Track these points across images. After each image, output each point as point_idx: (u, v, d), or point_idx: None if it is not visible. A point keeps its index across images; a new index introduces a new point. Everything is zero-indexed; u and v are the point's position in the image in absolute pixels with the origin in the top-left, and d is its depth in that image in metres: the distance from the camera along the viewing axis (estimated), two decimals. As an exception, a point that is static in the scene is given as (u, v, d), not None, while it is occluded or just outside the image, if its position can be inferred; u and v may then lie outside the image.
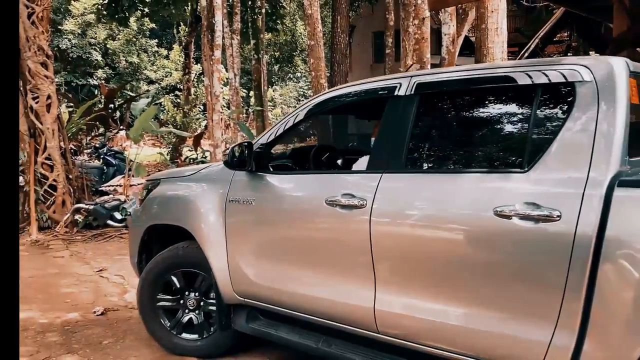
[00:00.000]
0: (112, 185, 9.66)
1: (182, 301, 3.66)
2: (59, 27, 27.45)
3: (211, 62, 9.03)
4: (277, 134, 3.38)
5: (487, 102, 2.75)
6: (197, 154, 13.03)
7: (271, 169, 3.45)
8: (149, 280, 3.70)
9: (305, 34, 28.70)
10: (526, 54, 13.59)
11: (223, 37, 9.97)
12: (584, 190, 2.10)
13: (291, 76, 33.38)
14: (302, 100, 33.62)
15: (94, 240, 7.41)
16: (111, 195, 8.59)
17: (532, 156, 2.31)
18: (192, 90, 21.78)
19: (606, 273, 2.01)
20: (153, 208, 3.93)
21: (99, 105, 15.37)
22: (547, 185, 2.23)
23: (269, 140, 3.38)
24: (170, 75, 30.55)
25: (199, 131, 17.74)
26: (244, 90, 25.32)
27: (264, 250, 3.27)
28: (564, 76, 2.32)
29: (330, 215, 2.88)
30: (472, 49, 14.47)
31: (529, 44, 13.77)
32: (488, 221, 2.30)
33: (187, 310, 3.65)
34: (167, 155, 17.30)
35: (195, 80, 23.18)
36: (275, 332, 3.22)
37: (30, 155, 7.53)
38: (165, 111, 19.41)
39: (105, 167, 11.08)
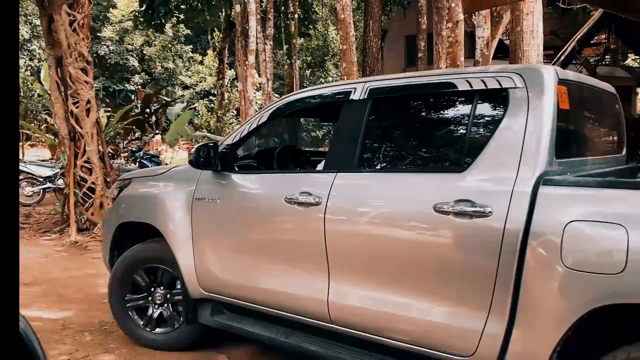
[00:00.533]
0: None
1: (150, 297, 3.78)
2: (98, 34, 28.19)
3: (245, 67, 9.11)
4: (242, 135, 3.51)
5: (431, 107, 2.96)
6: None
7: (236, 169, 3.57)
8: (118, 275, 3.82)
9: (337, 39, 28.69)
10: (562, 57, 13.29)
11: (256, 43, 10.05)
12: (513, 188, 2.27)
13: (322, 80, 33.46)
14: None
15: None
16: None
17: (469, 157, 2.48)
18: (226, 95, 22.06)
19: (531, 264, 2.18)
20: (124, 206, 4.03)
21: (136, 110, 15.68)
22: (481, 183, 2.39)
23: (234, 141, 3.49)
24: (205, 81, 31.01)
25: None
26: (277, 95, 25.50)
27: (227, 246, 3.40)
28: (499, 82, 2.48)
29: (288, 213, 3.03)
30: (506, 52, 14.24)
31: (566, 47, 13.47)
32: (428, 217, 2.46)
33: (155, 306, 3.77)
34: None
35: (228, 85, 23.45)
36: (238, 325, 3.35)
37: (70, 159, 7.72)
38: (199, 116, 19.69)
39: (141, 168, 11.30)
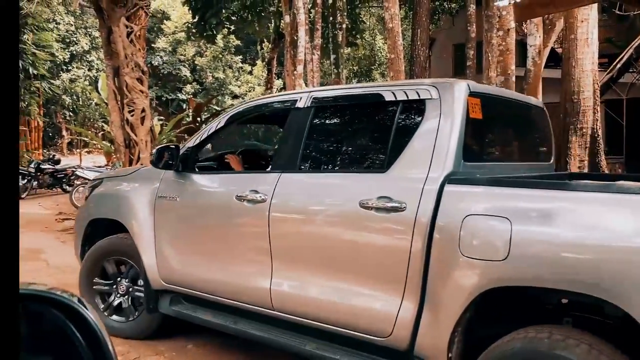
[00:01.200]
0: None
1: (114, 286, 4.07)
2: (153, 45, 29.12)
3: (293, 77, 9.19)
4: (202, 139, 3.79)
5: (362, 114, 3.27)
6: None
7: (197, 170, 3.83)
8: (86, 266, 4.14)
9: (384, 48, 28.61)
10: (618, 65, 12.78)
11: (304, 53, 10.12)
12: (424, 186, 2.55)
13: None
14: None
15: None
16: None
17: (391, 159, 2.78)
18: (273, 104, 22.31)
19: (435, 253, 2.45)
20: (95, 204, 4.37)
21: (187, 119, 16.09)
22: (399, 182, 2.69)
23: (195, 144, 3.78)
24: (253, 90, 31.50)
25: (278, 143, 18.09)
26: (323, 104, 25.59)
27: (184, 240, 3.69)
28: (418, 94, 2.79)
29: (238, 209, 3.29)
30: (558, 61, 13.82)
31: (622, 55, 12.95)
32: (355, 212, 2.74)
33: (118, 295, 4.06)
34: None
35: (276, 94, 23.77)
36: (193, 314, 3.60)
37: (124, 165, 7.98)
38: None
39: None
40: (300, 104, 3.27)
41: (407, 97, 2.83)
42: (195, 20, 17.56)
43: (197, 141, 3.79)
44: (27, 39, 18.03)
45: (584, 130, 10.39)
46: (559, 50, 13.36)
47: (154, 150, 3.82)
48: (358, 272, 2.78)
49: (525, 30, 10.50)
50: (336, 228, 2.89)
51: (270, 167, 3.54)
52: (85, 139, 11.47)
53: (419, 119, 2.77)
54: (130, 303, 4.04)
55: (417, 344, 2.53)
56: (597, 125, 10.71)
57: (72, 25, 27.85)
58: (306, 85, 17.99)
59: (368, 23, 23.72)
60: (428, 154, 2.63)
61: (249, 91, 31.83)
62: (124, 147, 8.03)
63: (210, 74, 32.87)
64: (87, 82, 28.16)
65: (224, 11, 17.83)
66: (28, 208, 10.40)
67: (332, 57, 14.56)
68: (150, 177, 3.94)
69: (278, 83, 25.13)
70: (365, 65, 27.13)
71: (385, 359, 2.67)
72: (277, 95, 3.77)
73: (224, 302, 3.40)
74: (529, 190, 2.37)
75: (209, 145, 4.23)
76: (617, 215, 2.10)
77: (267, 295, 3.10)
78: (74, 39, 28.10)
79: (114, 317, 4.05)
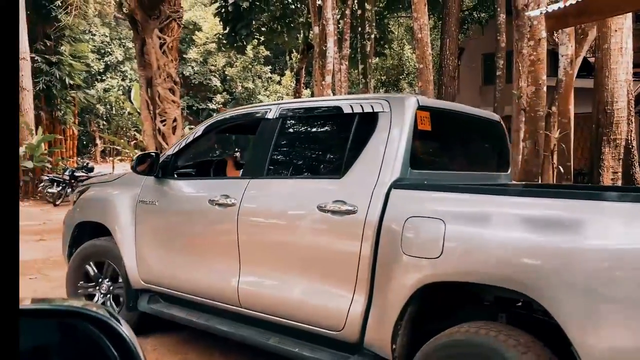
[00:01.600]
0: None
1: (97, 287, 4.27)
2: (184, 55, 29.64)
3: (322, 87, 9.23)
4: (181, 147, 3.99)
5: (323, 125, 3.55)
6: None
7: (176, 176, 4.04)
8: (72, 267, 4.34)
9: (412, 58, 28.51)
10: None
11: (333, 63, 10.15)
12: (373, 190, 2.75)
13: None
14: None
15: None
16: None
17: (346, 166, 2.99)
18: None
19: (381, 251, 2.63)
20: (82, 208, 4.56)
21: (217, 128, 16.23)
22: (352, 187, 2.89)
23: (174, 152, 3.97)
24: (282, 99, 31.77)
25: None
26: (351, 114, 25.60)
27: (162, 242, 3.87)
28: (372, 107, 3.02)
29: (210, 212, 3.49)
30: (590, 71, 13.53)
31: (657, 64, 12.60)
32: (313, 215, 2.97)
33: (101, 295, 4.26)
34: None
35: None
36: (168, 312, 3.79)
37: (156, 173, 8.12)
38: None
39: None
40: (269, 115, 3.50)
41: (363, 109, 3.08)
42: (226, 31, 17.81)
43: (177, 149, 3.99)
44: (65, 50, 18.55)
45: (618, 142, 10.14)
46: (592, 60, 13.10)
47: (134, 157, 4.05)
48: (315, 271, 2.99)
49: (557, 40, 10.32)
50: (297, 230, 3.12)
51: (242, 173, 3.79)
52: (118, 147, 11.69)
53: (372, 129, 2.98)
54: (112, 301, 4.25)
55: (366, 337, 2.73)
56: (631, 136, 10.43)
57: (107, 36, 28.60)
58: (334, 94, 18.04)
59: (396, 33, 23.72)
60: (378, 162, 2.85)
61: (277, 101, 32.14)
62: (156, 156, 8.17)
63: (240, 84, 33.28)
64: (120, 92, 28.81)
65: (254, 22, 18.04)
66: (61, 214, 10.63)
67: (361, 67, 14.57)
68: (132, 183, 4.12)
69: (306, 93, 25.26)
70: (393, 75, 27.10)
71: (339, 351, 2.87)
72: (250, 107, 4.01)
73: (197, 300, 3.59)
74: (460, 194, 2.64)
75: (192, 152, 4.42)
76: (552, 219, 2.23)
77: (235, 293, 3.29)
78: (109, 50, 28.83)
79: None
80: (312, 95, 28.56)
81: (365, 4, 14.09)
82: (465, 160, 3.71)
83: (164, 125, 8.03)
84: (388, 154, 2.83)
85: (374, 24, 13.58)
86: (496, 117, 3.91)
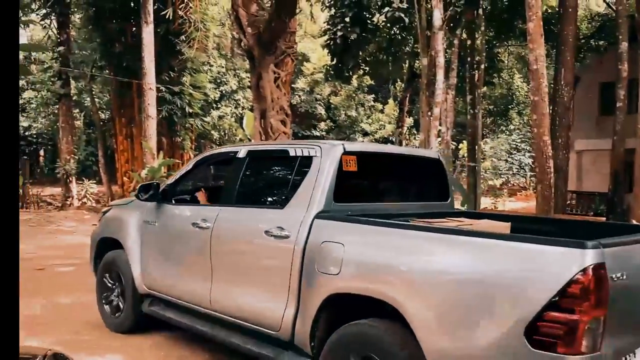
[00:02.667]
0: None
1: (114, 292, 5.13)
2: (292, 85, 30.64)
3: (428, 119, 9.02)
4: (177, 178, 4.88)
5: (275, 165, 4.32)
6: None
7: (173, 201, 4.78)
8: (98, 278, 5.33)
9: (522, 87, 27.24)
10: None
11: (441, 95, 9.89)
12: (302, 219, 3.40)
13: (503, 129, 31.97)
14: (514, 154, 31.78)
15: None
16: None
17: (287, 199, 3.68)
18: (404, 142, 22.17)
19: (305, 269, 3.28)
20: (104, 225, 5.45)
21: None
22: (289, 216, 3.52)
23: (172, 182, 4.86)
24: (383, 128, 31.68)
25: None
26: (454, 143, 24.96)
27: (158, 256, 4.68)
28: (309, 152, 3.67)
29: (192, 233, 4.24)
30: None
31: None
32: (261, 238, 3.63)
33: (116, 298, 5.11)
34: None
35: (407, 133, 23.59)
36: (163, 313, 4.59)
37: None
38: None
39: None
40: (239, 155, 4.23)
41: (302, 153, 3.73)
42: (333, 62, 18.16)
43: (174, 180, 4.88)
44: (186, 81, 19.89)
45: None
46: None
47: (139, 186, 4.84)
48: (262, 283, 3.66)
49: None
50: (250, 249, 3.82)
51: (218, 201, 4.47)
52: None
53: (307, 170, 3.62)
54: (123, 303, 5.05)
55: (295, 335, 3.38)
56: None
57: (223, 67, 30.32)
58: (439, 124, 17.62)
59: (506, 62, 22.84)
60: (308, 196, 3.50)
61: (380, 129, 32.06)
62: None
63: (344, 112, 33.73)
64: (233, 119, 30.30)
65: (360, 54, 18.23)
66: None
67: (469, 97, 14.12)
68: (141, 206, 4.91)
69: (409, 121, 24.98)
70: (502, 104, 26.05)
71: (280, 348, 3.52)
72: (226, 148, 5.13)
73: (184, 304, 4.36)
74: (355, 224, 3.22)
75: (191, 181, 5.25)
76: (407, 245, 2.92)
77: (208, 297, 4.05)
78: (224, 80, 30.52)
79: (116, 314, 5.12)
80: (414, 124, 28.20)
81: (475, 33, 13.70)
82: (398, 193, 4.41)
83: (274, 155, 8.25)
84: (316, 190, 3.49)
85: (484, 54, 13.14)
86: (435, 155, 4.64)
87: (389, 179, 4.39)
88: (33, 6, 22.61)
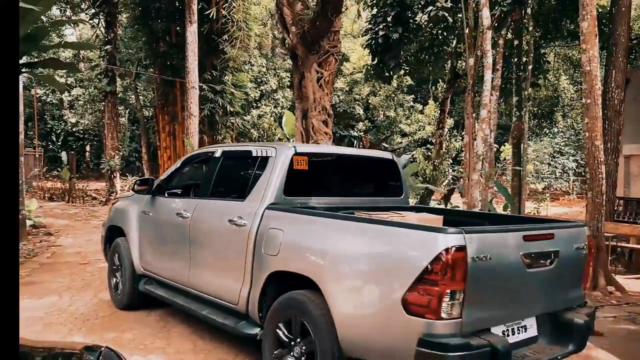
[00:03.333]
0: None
1: (117, 272, 5.92)
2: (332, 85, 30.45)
3: (473, 120, 8.71)
4: (168, 174, 5.62)
5: (240, 164, 4.93)
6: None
7: (166, 194, 5.47)
8: (108, 262, 6.19)
9: (569, 89, 26.27)
10: None
11: (489, 97, 9.53)
12: (256, 210, 4.08)
13: (546, 131, 30.96)
14: (557, 157, 30.75)
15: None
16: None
17: (248, 192, 4.31)
18: (444, 144, 21.72)
19: (256, 251, 3.96)
20: (112, 215, 6.26)
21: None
22: (247, 207, 4.17)
23: (164, 178, 5.60)
24: (423, 129, 31.15)
25: (444, 184, 17.46)
26: (496, 145, 24.29)
27: (151, 241, 5.44)
28: (267, 152, 4.34)
29: (177, 222, 4.93)
30: None
31: None
32: (225, 226, 4.29)
33: (119, 278, 5.86)
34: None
35: (447, 134, 23.11)
36: (154, 290, 5.30)
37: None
38: (417, 163, 19.61)
39: None
40: (216, 155, 4.97)
41: (262, 154, 4.36)
42: (374, 62, 17.90)
43: (165, 176, 5.64)
44: (227, 80, 20.02)
45: None
46: None
47: (135, 180, 5.68)
48: (226, 264, 4.30)
49: None
50: (217, 235, 4.45)
51: (198, 194, 5.12)
52: None
53: (264, 168, 4.25)
54: (123, 283, 5.79)
55: (249, 309, 3.99)
56: None
57: (263, 66, 30.46)
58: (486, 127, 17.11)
59: (552, 62, 22.06)
60: (262, 190, 4.14)
61: (419, 130, 31.55)
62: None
63: (382, 112, 33.36)
64: (272, 118, 30.40)
65: (402, 53, 17.91)
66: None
67: (515, 98, 13.63)
68: (141, 198, 5.70)
69: (450, 122, 24.45)
70: (547, 106, 25.24)
71: (241, 319, 4.13)
72: (205, 148, 5.77)
73: (169, 282, 5.09)
74: (291, 214, 3.87)
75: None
76: (323, 231, 3.61)
77: (187, 277, 4.76)
78: (264, 79, 30.66)
79: (116, 292, 5.96)
80: (455, 125, 27.58)
81: (522, 33, 13.21)
82: (349, 189, 4.96)
83: (315, 156, 8.10)
84: (269, 185, 4.12)
85: (531, 54, 12.65)
86: (389, 156, 5.15)
87: (340, 176, 4.94)
88: (83, 6, 23.22)
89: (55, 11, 27.87)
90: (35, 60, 9.50)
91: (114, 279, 5.96)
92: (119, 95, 24.54)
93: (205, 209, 4.70)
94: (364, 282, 3.22)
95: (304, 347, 3.48)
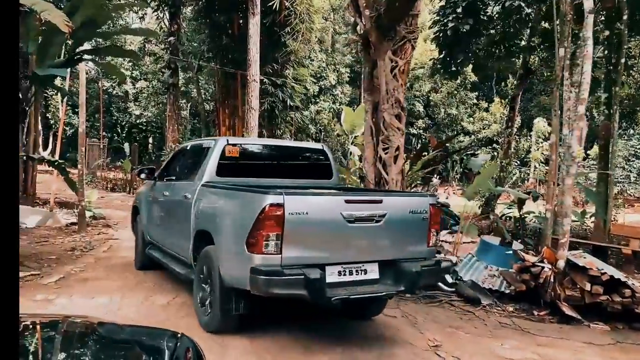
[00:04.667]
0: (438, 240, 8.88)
1: (136, 242, 7.76)
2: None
3: (568, 118, 7.59)
4: (165, 164, 7.07)
5: (197, 153, 6.11)
6: (529, 216, 11.29)
7: (165, 180, 6.63)
8: (137, 235, 7.66)
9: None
10: None
11: (587, 91, 8.32)
12: (196, 187, 5.41)
13: (621, 132, 28.58)
14: (633, 161, 28.38)
15: (424, 301, 6.68)
16: (441, 255, 7.80)
17: (195, 174, 5.68)
18: (512, 144, 20.26)
19: (194, 216, 5.31)
20: (135, 197, 8.07)
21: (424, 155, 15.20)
22: (192, 186, 5.52)
23: (163, 166, 6.99)
24: (488, 128, 29.52)
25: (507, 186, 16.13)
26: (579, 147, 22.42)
27: (151, 215, 6.93)
28: (209, 144, 5.77)
29: (162, 200, 6.53)
30: None
31: None
32: (181, 200, 5.69)
33: (138, 246, 7.51)
34: (479, 208, 16.12)
35: (516, 134, 21.55)
36: (154, 254, 6.69)
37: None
38: (495, 164, 18.17)
39: None
40: (187, 148, 6.75)
41: (207, 145, 5.78)
42: (441, 56, 16.78)
43: (164, 165, 6.99)
44: (288, 74, 19.42)
45: None
46: None
47: (139, 167, 7.87)
48: (180, 228, 5.57)
49: None
50: (177, 207, 5.81)
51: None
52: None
53: (206, 155, 5.57)
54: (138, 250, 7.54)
55: (193, 259, 5.33)
56: None
57: (323, 62, 29.77)
58: (549, 125, 15.65)
59: (638, 60, 20.04)
60: (202, 173, 5.48)
61: (483, 128, 29.92)
62: (374, 185, 7.39)
63: (443, 110, 31.94)
64: (330, 114, 29.67)
65: (471, 47, 16.70)
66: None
67: (603, 95, 12.21)
68: (150, 183, 7.07)
69: (518, 121, 22.83)
70: (629, 105, 23.08)
71: (189, 268, 5.51)
72: (185, 144, 7.28)
73: (159, 245, 6.62)
74: (208, 188, 5.28)
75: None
76: (219, 200, 5.08)
77: (164, 239, 6.36)
78: (324, 75, 29.96)
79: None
80: (526, 125, 25.89)
81: (615, 24, 11.77)
82: (279, 172, 5.89)
83: (386, 154, 7.19)
84: (206, 168, 5.43)
85: (624, 47, 11.21)
86: (320, 146, 6.32)
87: (272, 162, 6.03)
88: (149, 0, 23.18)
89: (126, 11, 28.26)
90: (97, 47, 9.22)
91: (136, 247, 7.62)
92: (181, 89, 24.49)
93: (174, 189, 6.12)
94: (229, 232, 4.59)
95: (210, 283, 4.86)
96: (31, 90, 13.08)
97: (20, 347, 1.41)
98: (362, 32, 7.06)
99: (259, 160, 5.91)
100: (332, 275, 4.26)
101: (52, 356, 1.66)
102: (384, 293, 4.54)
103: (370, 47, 7.09)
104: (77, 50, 7.59)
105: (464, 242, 7.98)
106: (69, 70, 8.83)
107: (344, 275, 4.33)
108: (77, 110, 31.82)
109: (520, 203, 11.40)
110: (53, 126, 27.73)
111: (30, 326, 1.94)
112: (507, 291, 6.89)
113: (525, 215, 11.32)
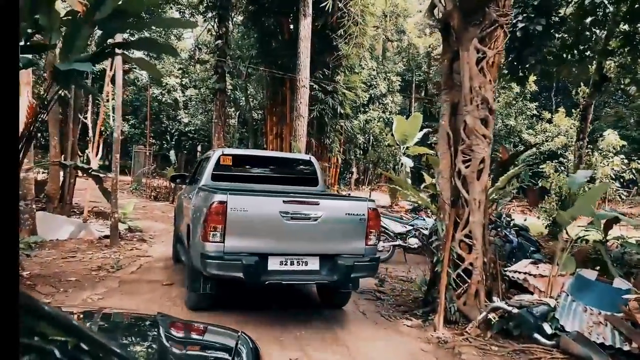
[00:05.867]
0: (518, 271, 7.22)
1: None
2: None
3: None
4: (193, 170, 7.97)
5: (205, 162, 7.04)
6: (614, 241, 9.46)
7: (193, 185, 7.17)
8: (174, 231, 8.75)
9: None
10: None
11: None
12: (196, 190, 6.10)
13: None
14: None
15: (514, 356, 5.10)
16: (535, 295, 6.16)
17: (196, 180, 6.81)
18: (583, 158, 18.13)
19: (189, 212, 5.95)
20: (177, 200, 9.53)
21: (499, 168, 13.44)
22: (194, 187, 6.41)
23: (192, 173, 7.87)
24: (551, 140, 27.17)
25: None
26: (625, 161, 20.08)
27: (180, 212, 7.38)
28: (210, 155, 7.00)
29: (186, 199, 6.87)
30: None
31: None
32: (189, 199, 6.31)
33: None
34: (546, 228, 14.46)
35: (588, 147, 19.36)
36: (179, 249, 7.45)
37: (449, 229, 5.79)
38: (605, 184, 16.06)
39: (502, 244, 8.69)
40: (202, 157, 7.75)
41: (209, 155, 6.81)
42: (508, 59, 15.02)
43: (193, 171, 7.92)
44: (339, 80, 18.09)
45: None
46: None
47: (171, 174, 9.67)
48: (190, 221, 5.71)
49: None
50: (187, 206, 6.27)
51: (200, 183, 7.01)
52: (398, 188, 9.70)
53: (208, 163, 6.56)
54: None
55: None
56: None
57: (374, 70, 28.32)
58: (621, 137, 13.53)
59: None
60: (202, 177, 6.41)
61: (546, 140, 27.57)
62: (450, 206, 5.87)
63: (500, 120, 29.78)
64: (382, 124, 28.14)
65: (543, 49, 14.86)
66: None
67: None
68: (184, 187, 8.17)
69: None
70: None
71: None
72: (206, 154, 7.85)
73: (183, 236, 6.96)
74: (197, 190, 6.04)
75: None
76: (197, 198, 5.74)
77: (184, 231, 6.27)
78: (374, 83, 28.50)
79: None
80: (582, 134, 23.52)
81: None
82: (268, 179, 6.79)
83: (466, 167, 5.67)
84: (204, 174, 6.41)
85: None
86: (307, 157, 7.22)
87: (263, 170, 6.90)
88: (200, 8, 22.43)
89: (175, 14, 27.78)
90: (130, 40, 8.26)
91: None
92: (228, 95, 23.60)
93: (189, 191, 6.88)
94: (196, 224, 5.27)
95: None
96: (71, 92, 12.26)
97: (102, 342, 1.66)
98: (441, 15, 5.58)
99: (251, 168, 6.85)
100: (274, 264, 5.04)
101: (126, 349, 1.91)
102: (317, 282, 5.39)
103: (451, 33, 5.60)
104: (106, 43, 6.43)
105: (561, 275, 6.29)
106: (95, 65, 7.77)
107: (285, 265, 5.10)
108: (127, 116, 31.67)
109: (608, 227, 9.53)
110: (103, 132, 27.47)
111: (105, 321, 2.37)
112: (627, 348, 5.20)
113: (616, 240, 9.45)
